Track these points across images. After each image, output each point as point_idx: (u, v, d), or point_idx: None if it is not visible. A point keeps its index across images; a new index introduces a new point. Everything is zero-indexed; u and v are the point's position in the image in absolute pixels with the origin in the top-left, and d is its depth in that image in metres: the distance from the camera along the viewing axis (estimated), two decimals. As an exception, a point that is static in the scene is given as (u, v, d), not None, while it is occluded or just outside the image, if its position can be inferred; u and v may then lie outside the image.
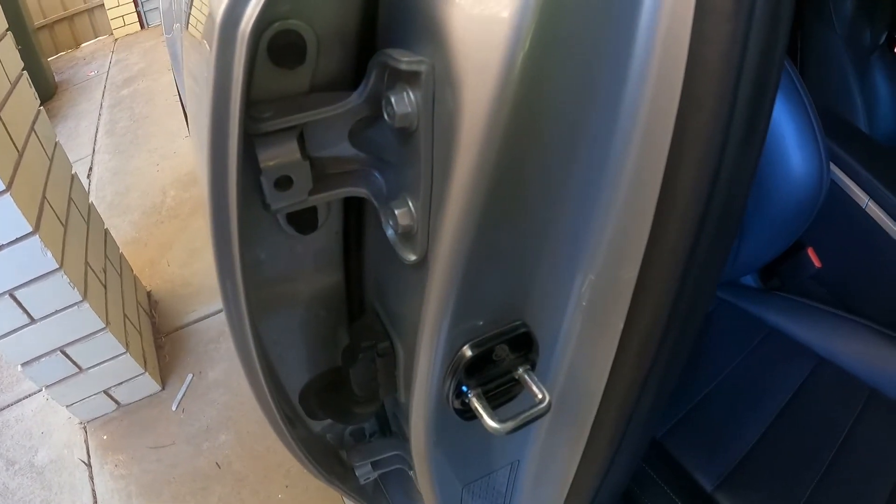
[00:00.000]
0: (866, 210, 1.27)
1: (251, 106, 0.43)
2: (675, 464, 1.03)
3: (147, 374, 1.77)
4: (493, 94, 0.35)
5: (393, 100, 0.39)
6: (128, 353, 1.69)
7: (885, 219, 1.24)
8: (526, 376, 0.48)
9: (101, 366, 1.68)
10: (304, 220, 0.51)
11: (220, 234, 0.45)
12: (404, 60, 0.38)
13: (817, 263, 1.36)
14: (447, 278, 0.42)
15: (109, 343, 1.64)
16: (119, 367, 1.71)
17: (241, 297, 0.47)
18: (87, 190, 2.76)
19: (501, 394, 0.50)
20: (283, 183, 0.44)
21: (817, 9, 1.71)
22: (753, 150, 0.42)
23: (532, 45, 0.34)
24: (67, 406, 1.74)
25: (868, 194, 1.27)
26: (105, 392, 1.76)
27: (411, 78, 0.38)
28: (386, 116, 0.41)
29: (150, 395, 1.84)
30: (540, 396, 0.47)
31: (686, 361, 0.52)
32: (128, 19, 5.07)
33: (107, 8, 4.96)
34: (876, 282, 1.34)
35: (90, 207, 1.86)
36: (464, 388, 0.47)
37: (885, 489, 0.98)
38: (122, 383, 1.76)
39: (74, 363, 1.64)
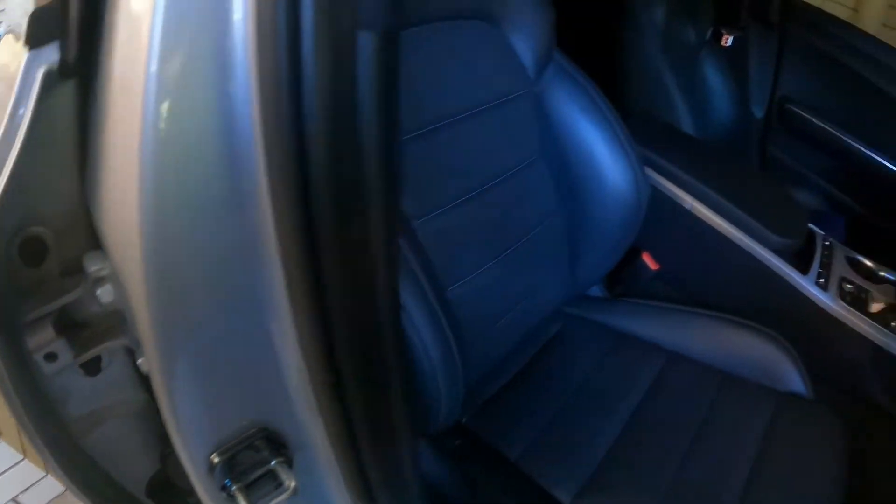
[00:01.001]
0: (692, 211, 1.32)
1: (15, 301, 0.55)
2: (531, 484, 1.01)
3: (49, 475, 1.81)
4: (141, 278, 0.47)
5: (98, 294, 0.52)
6: (26, 459, 1.73)
7: (711, 215, 1.30)
8: (278, 468, 0.59)
9: (4, 475, 1.72)
10: (90, 367, 0.63)
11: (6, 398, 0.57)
12: (92, 271, 0.51)
13: (654, 266, 1.40)
14: (166, 411, 0.55)
15: (6, 452, 1.70)
16: (21, 474, 1.74)
17: (39, 442, 0.59)
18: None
19: (270, 480, 0.60)
20: (51, 356, 0.55)
21: (631, 21, 1.72)
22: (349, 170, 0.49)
23: (157, 235, 0.46)
24: (-19, 521, 1.76)
25: (691, 195, 1.32)
26: (14, 500, 1.78)
27: (101, 279, 0.51)
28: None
29: (58, 495, 1.86)
30: (286, 484, 0.58)
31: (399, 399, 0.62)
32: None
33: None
34: (712, 275, 1.41)
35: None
36: (227, 483, 0.58)
37: (744, 467, 1.01)
38: (27, 489, 1.78)
39: (-24, 478, 1.66)
